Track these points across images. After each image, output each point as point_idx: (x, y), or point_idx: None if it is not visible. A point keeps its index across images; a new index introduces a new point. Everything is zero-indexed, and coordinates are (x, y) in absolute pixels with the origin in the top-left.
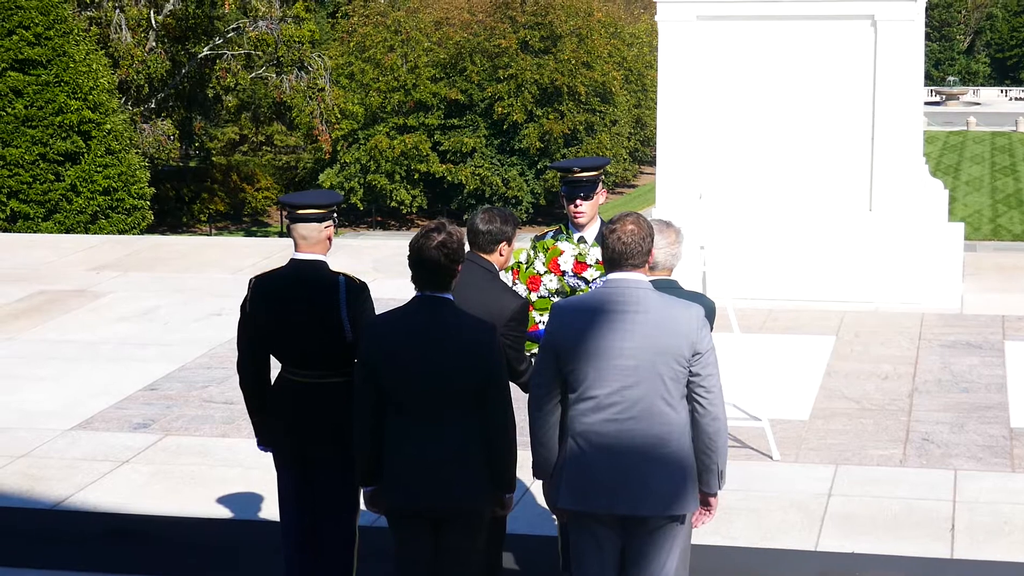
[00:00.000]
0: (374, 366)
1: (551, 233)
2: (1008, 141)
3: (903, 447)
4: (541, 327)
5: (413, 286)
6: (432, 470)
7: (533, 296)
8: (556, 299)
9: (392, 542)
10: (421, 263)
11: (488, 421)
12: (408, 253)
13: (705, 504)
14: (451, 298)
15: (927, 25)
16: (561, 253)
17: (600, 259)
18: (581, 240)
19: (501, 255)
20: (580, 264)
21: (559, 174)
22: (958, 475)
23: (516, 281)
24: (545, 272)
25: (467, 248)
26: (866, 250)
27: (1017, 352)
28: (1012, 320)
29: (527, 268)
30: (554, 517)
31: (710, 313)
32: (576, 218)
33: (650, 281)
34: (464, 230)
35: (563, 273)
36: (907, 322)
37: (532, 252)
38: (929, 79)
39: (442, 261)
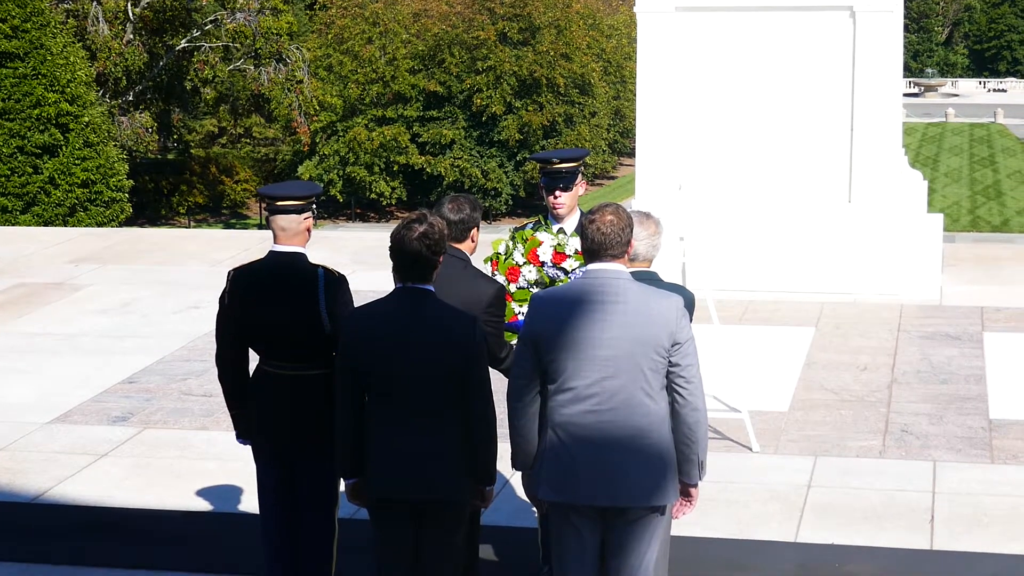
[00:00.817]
0: (355, 358)
1: (530, 224)
2: (987, 132)
3: (882, 438)
4: (520, 318)
5: (394, 277)
6: (413, 462)
7: (512, 287)
8: (535, 290)
9: (372, 534)
10: (402, 254)
11: (469, 413)
12: (389, 244)
13: (686, 495)
14: (432, 289)
15: (905, 16)
16: (540, 244)
17: (580, 249)
18: (560, 231)
19: (472, 241)
20: (559, 255)
21: (539, 165)
22: (937, 466)
23: (495, 272)
24: (524, 263)
25: None
26: (845, 241)
27: (996, 343)
28: (991, 311)
29: (506, 259)
30: (534, 509)
31: (690, 304)
32: (556, 209)
33: (632, 272)
34: (444, 222)
35: (542, 264)
36: (886, 313)
37: (511, 243)
38: (908, 70)
39: (423, 252)
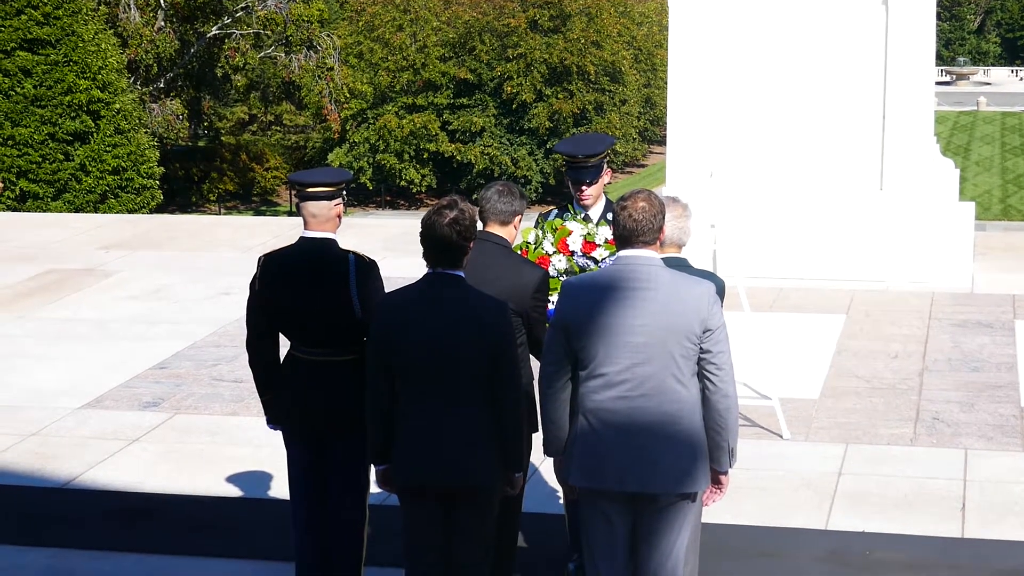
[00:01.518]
0: (385, 343)
1: (555, 212)
2: (1018, 121)
3: (913, 426)
4: (551, 307)
5: (424, 263)
6: (442, 448)
7: None
8: (565, 279)
9: (402, 520)
10: (433, 240)
11: (499, 399)
12: (420, 230)
13: (716, 482)
14: (462, 275)
15: (938, 4)
16: (570, 233)
17: (610, 238)
18: (586, 218)
19: (515, 228)
20: (589, 244)
21: (564, 158)
22: (968, 454)
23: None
24: (554, 252)
25: (479, 226)
26: (877, 229)
27: None
28: (1022, 300)
29: (535, 248)
30: (559, 494)
31: (720, 291)
32: (582, 201)
33: (662, 258)
34: (476, 208)
35: (572, 253)
36: (917, 301)
37: (540, 232)
38: (939, 59)
39: (454, 238)
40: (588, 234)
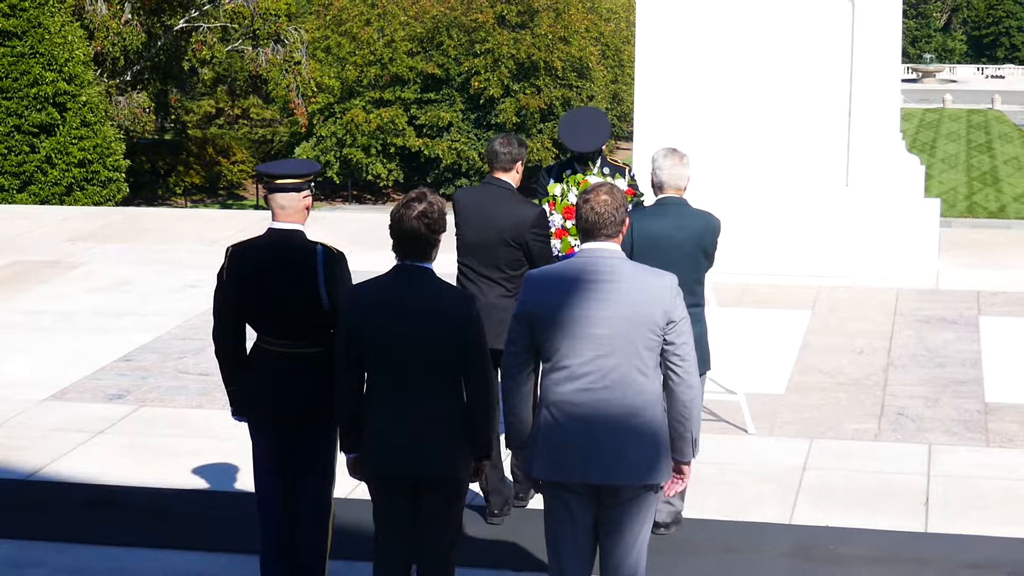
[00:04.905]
0: (354, 334)
1: (555, 167)
2: (984, 119)
3: (878, 421)
4: (576, 250)
5: (394, 255)
6: (412, 437)
7: (568, 223)
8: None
9: (372, 509)
10: (402, 232)
11: (467, 389)
12: (389, 222)
13: (678, 472)
14: (431, 267)
15: (904, 2)
16: None
17: (626, 190)
18: (604, 172)
19: (517, 173)
20: None
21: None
22: (932, 449)
23: (552, 211)
24: None
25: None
26: (842, 225)
27: (992, 327)
28: (987, 296)
29: (562, 200)
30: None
31: (716, 230)
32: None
33: (662, 198)
34: (445, 201)
35: None
36: (883, 297)
37: (565, 187)
38: (906, 56)
39: (422, 231)
40: None
